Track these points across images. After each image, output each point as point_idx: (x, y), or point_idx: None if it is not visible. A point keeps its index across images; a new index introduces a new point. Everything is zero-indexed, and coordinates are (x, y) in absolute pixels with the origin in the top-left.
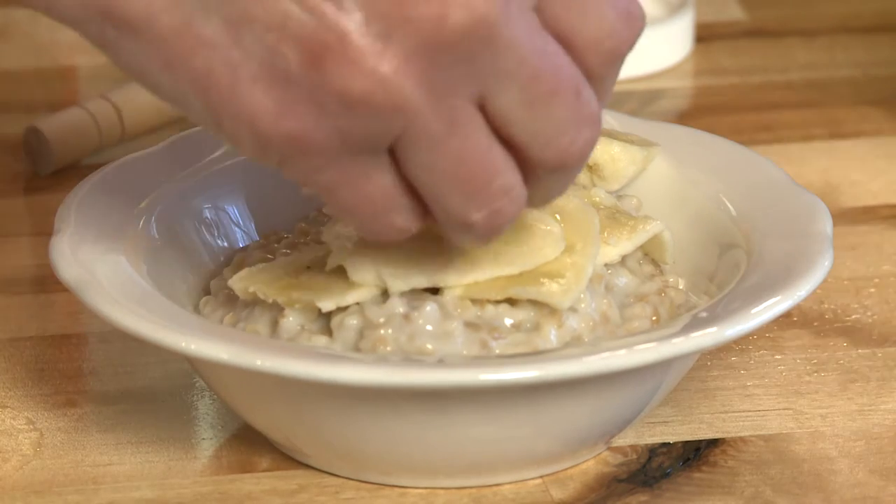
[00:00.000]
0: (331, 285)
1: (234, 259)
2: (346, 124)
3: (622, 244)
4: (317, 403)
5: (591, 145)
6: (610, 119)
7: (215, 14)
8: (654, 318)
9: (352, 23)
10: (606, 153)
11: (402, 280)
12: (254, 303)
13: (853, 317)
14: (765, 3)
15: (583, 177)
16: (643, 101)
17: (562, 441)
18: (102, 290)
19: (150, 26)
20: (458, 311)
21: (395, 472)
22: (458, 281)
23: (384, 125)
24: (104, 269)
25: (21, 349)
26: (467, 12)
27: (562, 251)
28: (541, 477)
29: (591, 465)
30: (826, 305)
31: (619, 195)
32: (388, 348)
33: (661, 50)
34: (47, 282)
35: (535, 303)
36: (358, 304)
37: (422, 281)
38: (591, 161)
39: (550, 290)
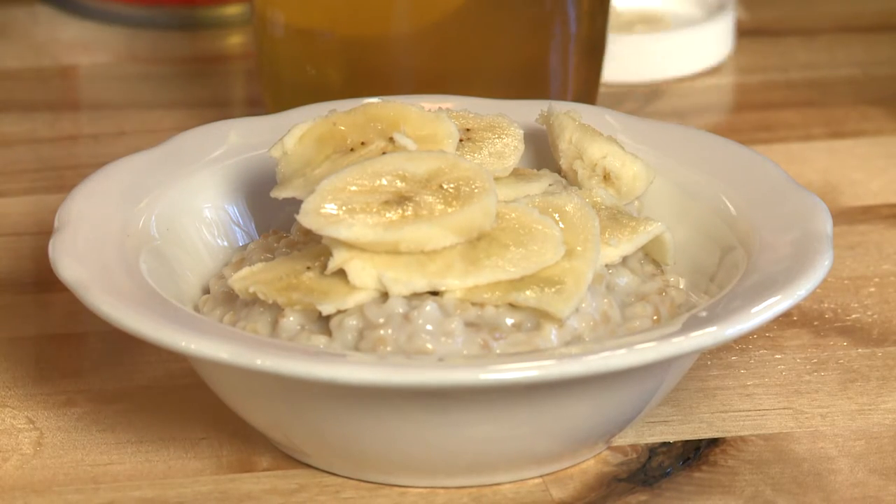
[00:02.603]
0: (331, 288)
1: (234, 258)
2: None
3: (623, 245)
4: (317, 403)
5: None
6: (610, 119)
7: None
8: (654, 317)
9: None
10: (630, 170)
11: (403, 284)
12: (253, 302)
13: (853, 316)
14: (765, 3)
15: (594, 182)
16: (643, 101)
17: (562, 441)
18: (102, 290)
19: None
20: (458, 310)
21: (395, 472)
22: (459, 284)
23: None
24: (104, 269)
25: (21, 349)
26: None
27: (562, 255)
28: (541, 476)
29: (591, 464)
30: (826, 305)
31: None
32: (388, 348)
33: (703, 51)
34: (47, 282)
35: None
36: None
37: (422, 285)
38: (613, 174)
39: (550, 298)
